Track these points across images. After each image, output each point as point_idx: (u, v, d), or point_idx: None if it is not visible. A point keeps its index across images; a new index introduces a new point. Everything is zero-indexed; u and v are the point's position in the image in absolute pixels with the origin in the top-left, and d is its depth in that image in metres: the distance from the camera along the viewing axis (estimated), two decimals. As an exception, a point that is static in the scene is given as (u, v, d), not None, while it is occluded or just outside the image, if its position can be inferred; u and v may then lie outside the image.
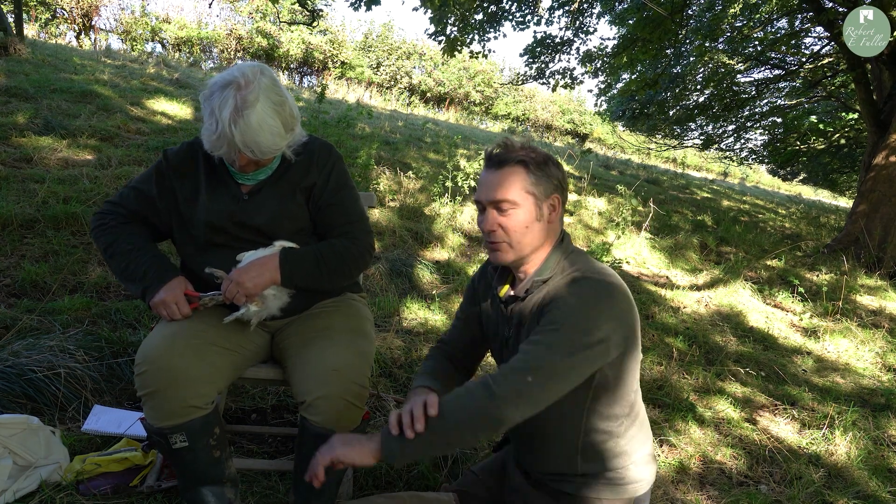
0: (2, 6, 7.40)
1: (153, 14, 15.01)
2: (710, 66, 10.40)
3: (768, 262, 5.97)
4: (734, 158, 15.29)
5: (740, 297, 4.59)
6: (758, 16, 9.08)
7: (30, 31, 11.93)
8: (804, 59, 9.80)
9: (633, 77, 10.90)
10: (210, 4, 16.16)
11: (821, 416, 2.74)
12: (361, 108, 6.56)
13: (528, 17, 9.13)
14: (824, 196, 25.89)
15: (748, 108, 11.67)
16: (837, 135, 11.68)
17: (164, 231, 1.55)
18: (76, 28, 13.84)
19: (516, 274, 1.28)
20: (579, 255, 1.25)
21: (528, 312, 1.21)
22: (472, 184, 5.34)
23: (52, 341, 2.03)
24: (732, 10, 8.86)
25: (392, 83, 20.15)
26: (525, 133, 20.89)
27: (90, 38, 13.57)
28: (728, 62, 10.04)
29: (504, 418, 1.04)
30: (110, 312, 2.46)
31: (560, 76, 10.57)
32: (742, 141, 13.90)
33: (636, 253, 5.62)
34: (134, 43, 14.14)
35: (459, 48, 8.95)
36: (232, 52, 16.00)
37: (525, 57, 10.39)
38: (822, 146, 12.43)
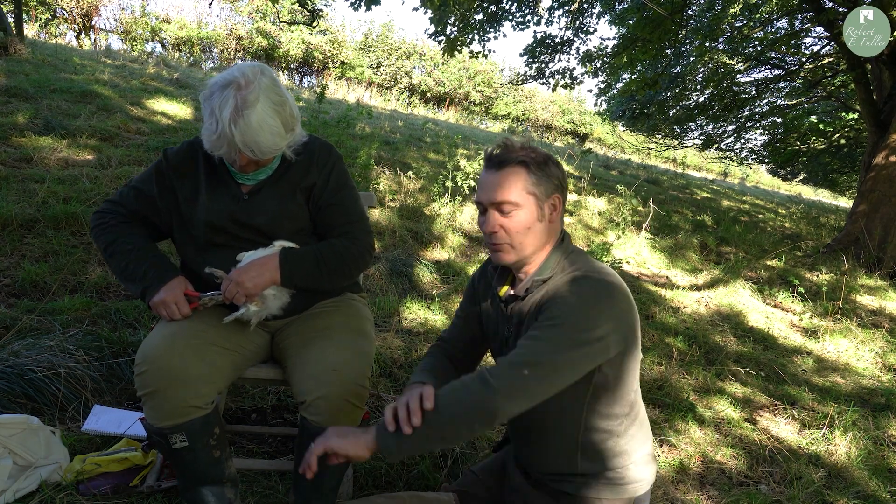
0: (2, 6, 7.39)
1: (153, 14, 15.02)
2: (710, 66, 10.39)
3: (768, 262, 5.97)
4: (734, 158, 15.29)
5: (740, 297, 4.59)
6: (758, 16, 9.08)
7: (30, 31, 11.93)
8: (804, 59, 9.80)
9: (633, 77, 10.90)
10: (210, 4, 16.17)
11: (821, 416, 2.74)
12: (361, 108, 6.57)
13: (528, 17, 9.13)
14: (824, 196, 25.89)
15: (748, 108, 11.67)
16: (837, 135, 11.68)
17: (164, 231, 1.55)
18: (76, 28, 13.84)
19: (517, 274, 1.28)
20: (579, 254, 1.25)
21: (528, 311, 1.21)
22: (472, 184, 5.34)
23: (52, 341, 2.03)
24: (732, 10, 8.85)
25: (392, 83, 20.15)
26: (525, 133, 20.89)
27: (90, 38, 13.57)
28: (728, 62, 10.04)
29: (500, 411, 1.04)
30: (110, 312, 2.46)
31: (560, 76, 10.57)
32: (742, 141, 13.91)
33: (636, 253, 5.62)
34: (134, 43, 14.14)
35: (459, 48, 8.95)
36: (232, 52, 16.01)
37: (525, 57, 10.39)
38: (822, 146, 12.43)
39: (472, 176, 5.35)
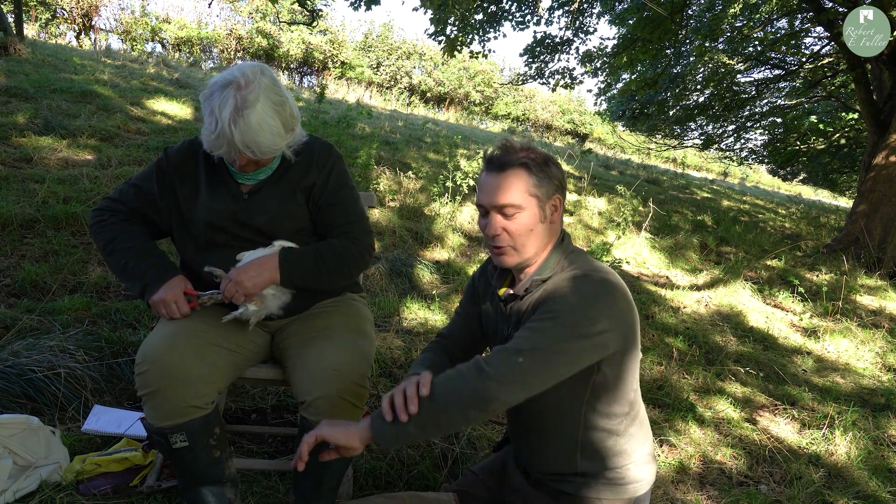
0: (2, 6, 7.39)
1: (153, 14, 15.02)
2: (710, 66, 10.39)
3: (768, 262, 5.97)
4: (734, 158, 15.29)
5: (740, 297, 4.59)
6: (758, 16, 9.08)
7: (30, 31, 11.93)
8: (804, 59, 9.80)
9: (633, 77, 10.90)
10: (210, 4, 16.18)
11: (821, 416, 2.74)
12: (361, 108, 6.56)
13: (528, 17, 9.13)
14: (824, 196, 25.89)
15: (748, 108, 11.67)
16: (837, 135, 11.68)
17: (163, 229, 1.55)
18: (76, 28, 13.84)
19: (517, 274, 1.29)
20: (579, 254, 1.25)
21: (526, 310, 1.21)
22: (472, 184, 5.34)
23: (52, 341, 2.03)
24: (732, 10, 8.85)
25: (392, 83, 20.15)
26: (525, 133, 20.89)
27: (90, 38, 13.57)
28: (728, 62, 10.03)
29: (494, 399, 1.03)
30: (110, 312, 2.46)
31: (560, 76, 10.57)
32: (742, 141, 13.90)
33: (636, 253, 5.62)
34: (134, 43, 14.14)
35: (459, 48, 8.95)
36: (232, 52, 16.00)
37: (525, 57, 10.40)
38: (822, 146, 12.43)
39: (471, 176, 5.34)
